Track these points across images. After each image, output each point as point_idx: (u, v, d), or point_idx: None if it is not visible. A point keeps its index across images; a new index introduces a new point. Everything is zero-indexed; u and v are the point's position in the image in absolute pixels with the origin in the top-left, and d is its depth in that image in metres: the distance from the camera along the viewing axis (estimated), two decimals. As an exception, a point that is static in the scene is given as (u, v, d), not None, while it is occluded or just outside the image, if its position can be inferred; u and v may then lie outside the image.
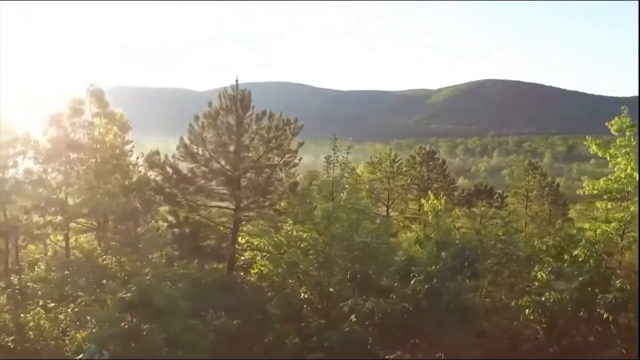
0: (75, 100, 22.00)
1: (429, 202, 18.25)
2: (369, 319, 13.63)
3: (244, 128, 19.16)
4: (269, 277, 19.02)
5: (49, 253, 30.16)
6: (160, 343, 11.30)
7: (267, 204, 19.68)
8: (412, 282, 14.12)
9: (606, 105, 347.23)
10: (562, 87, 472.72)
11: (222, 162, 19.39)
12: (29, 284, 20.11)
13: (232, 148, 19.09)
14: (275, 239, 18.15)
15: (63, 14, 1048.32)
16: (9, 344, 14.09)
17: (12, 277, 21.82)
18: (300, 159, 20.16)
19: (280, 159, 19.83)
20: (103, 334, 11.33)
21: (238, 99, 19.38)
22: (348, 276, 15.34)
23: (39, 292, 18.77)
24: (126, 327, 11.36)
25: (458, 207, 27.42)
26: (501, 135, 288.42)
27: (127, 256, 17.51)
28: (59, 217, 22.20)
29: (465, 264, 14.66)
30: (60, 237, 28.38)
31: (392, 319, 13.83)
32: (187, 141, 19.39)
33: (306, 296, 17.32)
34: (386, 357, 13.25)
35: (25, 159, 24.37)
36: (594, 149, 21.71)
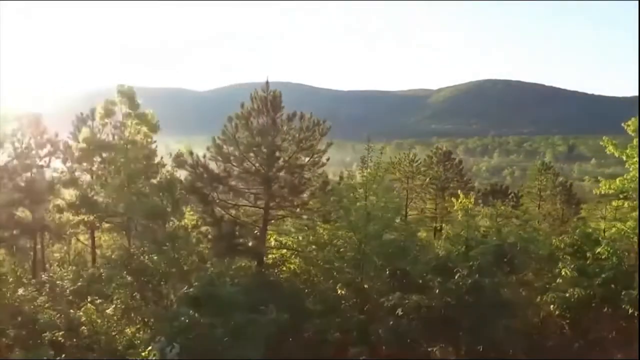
0: (107, 101, 22.48)
1: (459, 201, 18.76)
2: (414, 313, 14.14)
3: (277, 129, 19.66)
4: (301, 274, 19.54)
5: (71, 252, 30.76)
6: (221, 336, 11.78)
7: (298, 202, 20.16)
8: (455, 277, 14.61)
9: (606, 105, 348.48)
10: (562, 87, 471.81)
11: (254, 162, 19.90)
12: (57, 281, 20.58)
13: (264, 148, 19.59)
14: (310, 237, 18.64)
15: (63, 14, 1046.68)
16: (60, 339, 14.51)
17: (42, 275, 22.29)
18: (328, 159, 20.69)
19: (308, 158, 20.34)
20: (165, 329, 11.78)
21: (269, 100, 19.90)
22: (387, 272, 15.81)
23: (68, 289, 19.26)
24: (187, 321, 11.86)
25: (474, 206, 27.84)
26: (501, 135, 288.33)
27: (161, 254, 17.98)
28: (91, 216, 22.66)
29: (505, 260, 15.17)
30: (81, 237, 28.90)
31: (434, 313, 14.36)
32: (219, 142, 19.93)
33: (342, 292, 17.81)
34: (429, 349, 13.74)
35: (53, 159, 25.03)
36: (610, 149, 22.06)
